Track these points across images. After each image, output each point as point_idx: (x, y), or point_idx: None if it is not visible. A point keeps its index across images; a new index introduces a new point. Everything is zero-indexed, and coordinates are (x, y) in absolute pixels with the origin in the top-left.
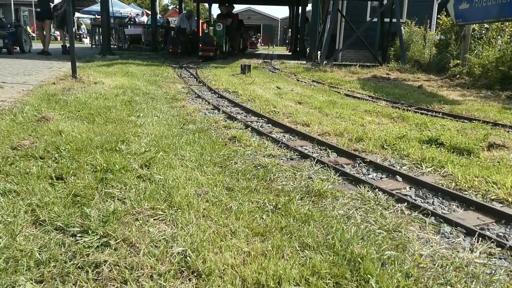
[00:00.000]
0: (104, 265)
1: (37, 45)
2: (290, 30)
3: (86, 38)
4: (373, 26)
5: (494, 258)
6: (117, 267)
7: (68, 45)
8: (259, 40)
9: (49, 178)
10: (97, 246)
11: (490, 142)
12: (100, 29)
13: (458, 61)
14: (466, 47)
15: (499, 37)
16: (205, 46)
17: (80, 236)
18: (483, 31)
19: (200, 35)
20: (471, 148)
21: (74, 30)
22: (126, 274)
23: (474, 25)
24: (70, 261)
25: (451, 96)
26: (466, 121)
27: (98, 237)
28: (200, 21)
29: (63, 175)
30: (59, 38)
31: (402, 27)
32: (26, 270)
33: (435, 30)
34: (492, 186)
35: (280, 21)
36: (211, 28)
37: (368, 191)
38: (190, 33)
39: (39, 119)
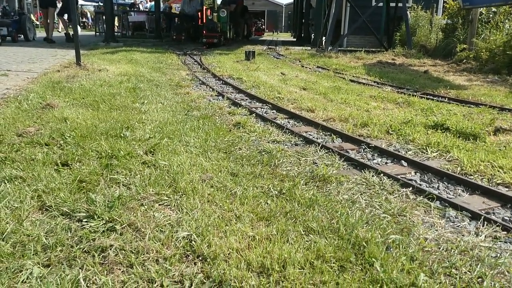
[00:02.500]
0: (110, 249)
1: (41, 33)
2: None
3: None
4: (378, 11)
5: (500, 241)
6: (123, 251)
7: (71, 32)
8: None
9: (55, 164)
10: (103, 231)
11: (496, 127)
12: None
13: (465, 46)
14: (473, 31)
15: (506, 20)
16: (209, 32)
17: (86, 221)
18: (491, 15)
19: (204, 21)
20: (477, 133)
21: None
22: (132, 258)
23: (482, 8)
24: (76, 246)
25: (458, 81)
26: (472, 106)
27: (104, 222)
28: (204, 7)
29: (69, 162)
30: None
31: (408, 12)
32: (33, 255)
33: (442, 14)
34: (498, 171)
35: (285, 7)
36: (215, 14)
37: (373, 176)
38: (190, 15)
39: (44, 106)
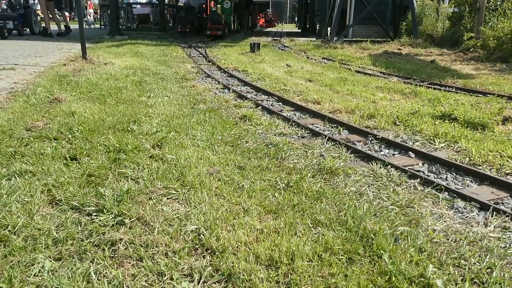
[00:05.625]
0: (120, 243)
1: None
2: None
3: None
4: (384, 0)
5: (509, 232)
6: (133, 245)
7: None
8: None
9: (64, 158)
10: (113, 225)
11: (505, 116)
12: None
13: (472, 34)
14: (481, 19)
15: None
16: (213, 24)
17: (95, 215)
18: (498, 2)
19: (208, 13)
20: (485, 123)
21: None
22: (142, 252)
23: None
24: (86, 239)
25: (465, 70)
26: (480, 95)
27: (113, 216)
28: None
29: (77, 156)
30: (68, 18)
31: (414, 0)
32: (44, 248)
33: (449, 3)
34: (507, 160)
35: None
36: (219, 6)
37: (380, 167)
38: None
39: (51, 100)
